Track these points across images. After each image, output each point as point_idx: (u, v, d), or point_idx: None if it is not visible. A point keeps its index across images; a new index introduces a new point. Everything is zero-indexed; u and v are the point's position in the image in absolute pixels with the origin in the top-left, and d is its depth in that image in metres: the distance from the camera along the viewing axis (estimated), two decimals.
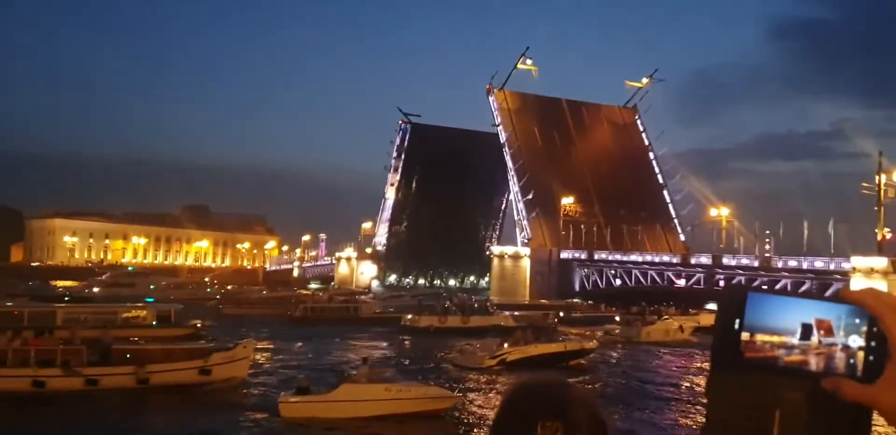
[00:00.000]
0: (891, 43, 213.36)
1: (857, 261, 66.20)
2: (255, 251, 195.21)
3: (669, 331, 63.13)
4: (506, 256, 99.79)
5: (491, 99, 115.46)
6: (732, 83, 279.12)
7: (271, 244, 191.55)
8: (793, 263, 73.20)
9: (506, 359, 41.58)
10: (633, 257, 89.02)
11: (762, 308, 1.10)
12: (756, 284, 74.20)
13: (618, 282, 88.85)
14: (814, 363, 1.11)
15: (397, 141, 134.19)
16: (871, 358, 1.09)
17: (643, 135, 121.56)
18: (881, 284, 63.01)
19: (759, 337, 1.10)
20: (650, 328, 63.14)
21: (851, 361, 1.10)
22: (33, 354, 29.33)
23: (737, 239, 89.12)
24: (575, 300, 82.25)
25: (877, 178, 73.43)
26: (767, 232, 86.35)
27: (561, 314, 70.53)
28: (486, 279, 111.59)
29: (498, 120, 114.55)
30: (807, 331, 1.09)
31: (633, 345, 57.39)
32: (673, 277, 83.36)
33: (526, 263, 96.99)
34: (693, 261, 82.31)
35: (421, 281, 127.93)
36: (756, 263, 76.18)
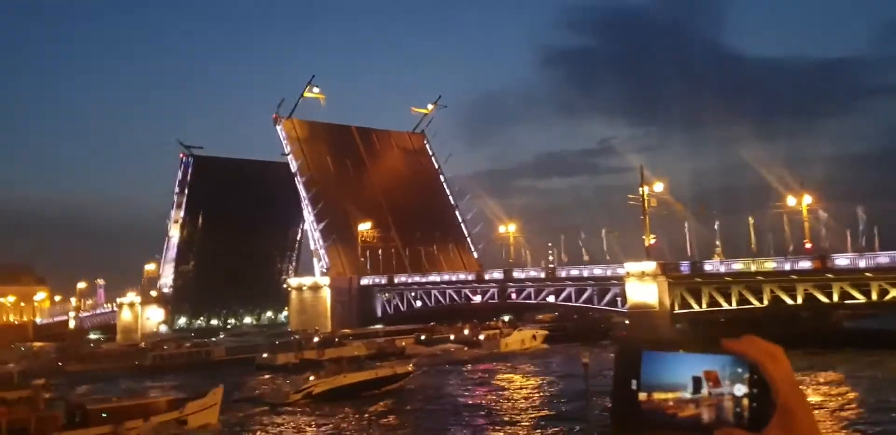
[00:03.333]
0: (643, 68, 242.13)
1: (630, 266, 73.96)
2: (22, 304, 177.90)
3: (525, 340, 69.46)
4: (304, 288, 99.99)
5: (279, 128, 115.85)
6: (511, 107, 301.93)
7: (41, 295, 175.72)
8: (575, 272, 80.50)
9: (312, 392, 42.10)
10: (432, 278, 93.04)
11: (656, 365, 1.20)
12: (548, 292, 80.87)
13: (418, 303, 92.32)
14: (706, 415, 1.20)
15: (179, 175, 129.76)
16: (755, 405, 1.19)
17: (433, 159, 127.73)
18: (651, 286, 71.17)
19: (656, 395, 1.19)
20: (508, 339, 69.01)
21: (738, 409, 1.19)
22: (4, 425, 26.75)
23: (525, 253, 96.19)
24: (431, 323, 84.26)
25: (640, 190, 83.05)
26: (550, 244, 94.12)
27: (422, 337, 74.12)
28: (286, 313, 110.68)
29: (288, 149, 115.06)
30: (697, 384, 1.19)
31: (494, 355, 62.28)
32: (469, 294, 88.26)
33: (326, 293, 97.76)
34: (487, 277, 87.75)
35: (214, 322, 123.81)
36: (543, 275, 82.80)
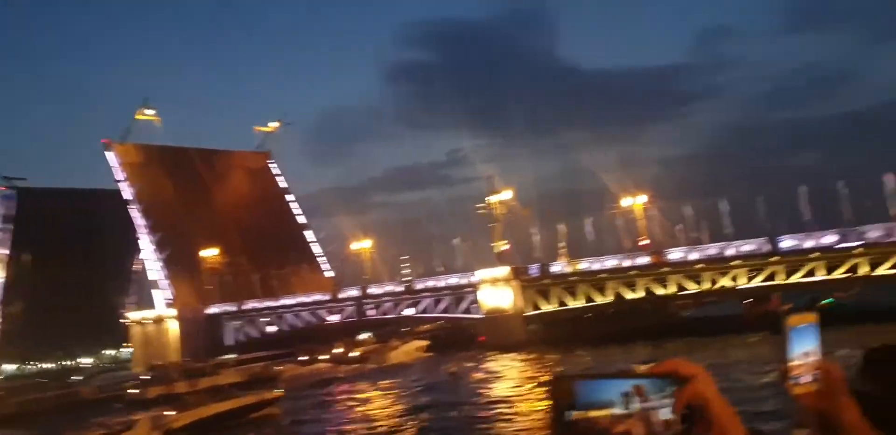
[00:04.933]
0: (484, 81, 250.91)
1: (483, 273, 76.14)
2: None
3: (411, 352, 70.92)
4: (147, 322, 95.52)
5: (111, 154, 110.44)
6: (359, 123, 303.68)
7: None
8: (431, 283, 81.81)
9: (171, 427, 40.13)
10: (285, 301, 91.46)
11: (588, 391, 1.27)
12: (406, 305, 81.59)
13: (272, 328, 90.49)
14: (638, 429, 1.28)
15: (2, 210, 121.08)
16: (683, 419, 1.29)
17: (280, 178, 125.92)
18: (505, 291, 73.51)
19: (591, 413, 1.26)
20: (395, 352, 70.44)
21: (668, 422, 1.28)
22: None
23: (382, 268, 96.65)
24: (306, 345, 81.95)
25: (488, 198, 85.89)
26: (406, 257, 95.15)
27: (299, 359, 73.78)
28: (130, 349, 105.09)
29: (122, 175, 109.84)
30: (628, 399, 1.27)
31: (381, 368, 63.26)
32: (326, 314, 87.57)
33: (171, 325, 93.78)
34: (343, 295, 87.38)
35: (49, 365, 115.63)
36: (400, 288, 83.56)
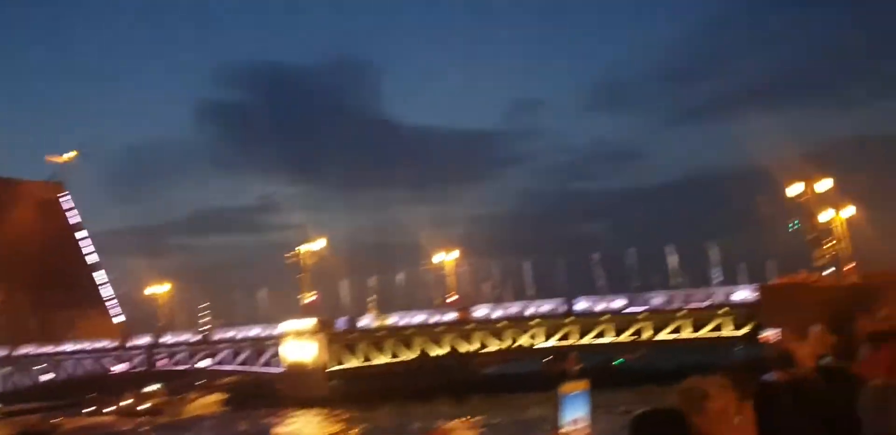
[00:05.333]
0: (303, 128, 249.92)
1: (287, 325, 74.14)
2: None
3: (208, 405, 68.53)
4: None
5: None
6: (167, 160, 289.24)
7: None
8: (231, 334, 78.74)
9: None
10: (66, 347, 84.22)
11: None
12: (202, 356, 77.61)
13: (48, 376, 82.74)
14: None
15: None
16: None
17: (72, 212, 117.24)
18: (309, 344, 72.04)
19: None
20: (190, 405, 68.37)
21: None
22: None
23: (179, 315, 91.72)
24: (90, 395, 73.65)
25: (299, 247, 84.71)
26: (207, 304, 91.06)
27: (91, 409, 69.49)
28: None
29: None
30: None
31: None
32: (112, 363, 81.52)
33: None
34: (132, 343, 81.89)
35: None
36: (197, 338, 79.65)
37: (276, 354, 74.30)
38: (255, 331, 78.03)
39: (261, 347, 76.08)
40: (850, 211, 47.74)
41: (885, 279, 42.37)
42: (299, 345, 72.48)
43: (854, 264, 48.68)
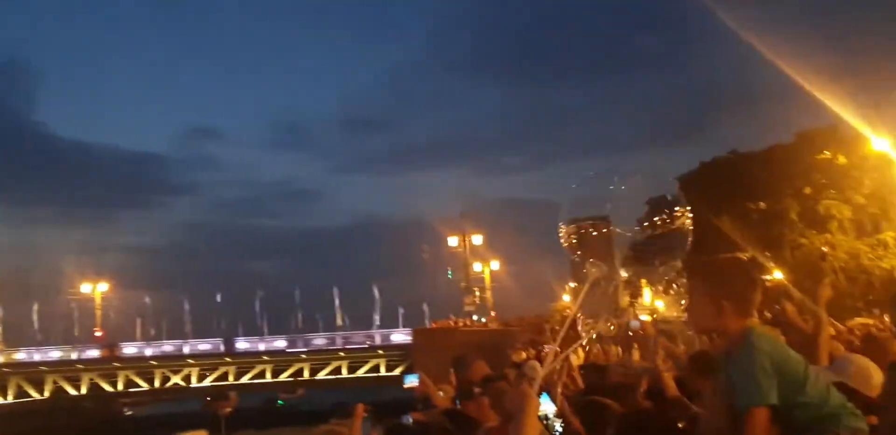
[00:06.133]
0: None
1: None
2: None
3: None
4: None
5: None
6: None
7: None
8: None
9: None
10: None
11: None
12: None
13: None
14: None
15: None
16: None
17: None
18: None
19: None
20: None
21: None
22: None
23: None
24: None
25: None
26: None
27: None
28: None
29: None
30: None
31: None
32: None
33: None
34: None
35: None
36: None
37: None
38: None
39: None
40: (496, 264, 53.84)
41: (519, 324, 48.42)
42: None
43: (494, 313, 54.83)
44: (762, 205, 47.29)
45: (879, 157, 38.30)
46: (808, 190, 45.42)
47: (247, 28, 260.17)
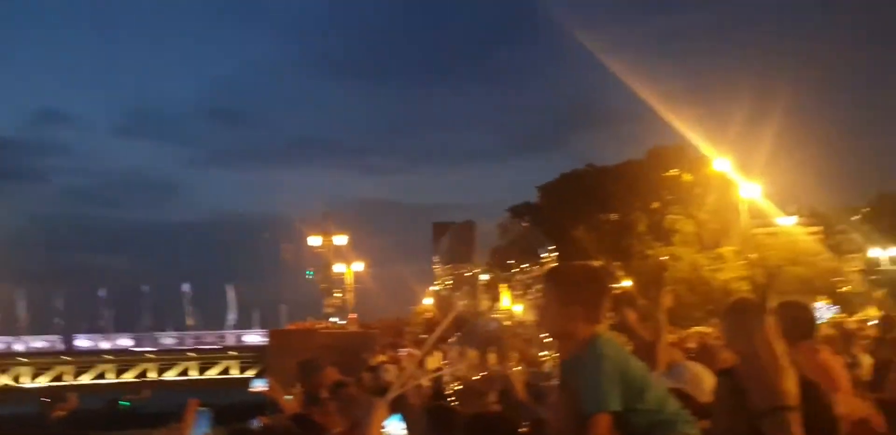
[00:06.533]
0: None
1: None
2: None
3: None
4: None
5: None
6: None
7: None
8: None
9: None
10: None
11: None
12: None
13: None
14: None
15: None
16: None
17: None
18: None
19: None
20: None
21: None
22: None
23: None
24: None
25: None
26: None
27: None
28: None
29: None
30: None
31: None
32: None
33: None
34: None
35: None
36: None
37: None
38: None
39: None
40: (358, 266, 53.32)
41: (379, 327, 48.23)
42: None
43: (355, 314, 54.27)
44: (614, 216, 49.70)
45: (721, 176, 41.22)
46: (656, 205, 48.05)
47: (101, 8, 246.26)
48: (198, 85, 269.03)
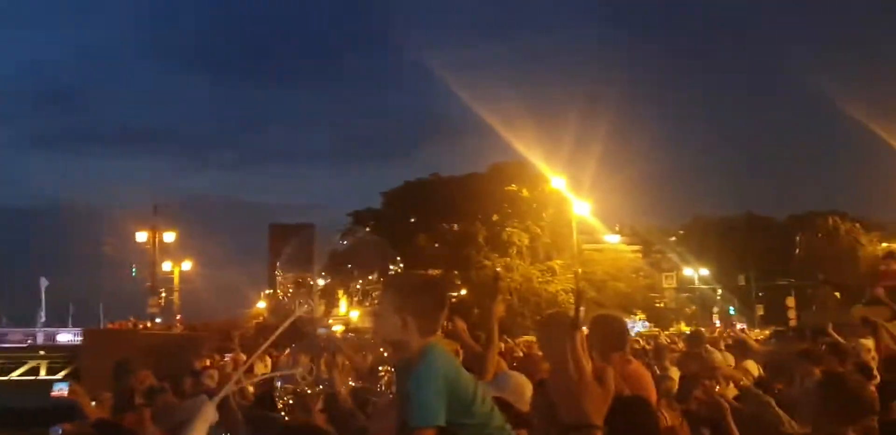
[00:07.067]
0: None
1: None
2: None
3: None
4: None
5: None
6: None
7: None
8: None
9: None
10: None
11: None
12: None
13: None
14: None
15: None
16: None
17: None
18: None
19: None
20: None
21: None
22: None
23: None
24: None
25: None
26: None
27: None
28: None
29: None
30: None
31: None
32: None
33: None
34: None
35: None
36: None
37: None
38: None
39: None
40: (187, 265, 51.05)
41: (206, 330, 46.33)
42: None
43: (180, 316, 51.91)
44: (455, 226, 50.69)
45: (557, 193, 43.13)
46: (495, 217, 49.52)
47: None
48: (24, 63, 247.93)
